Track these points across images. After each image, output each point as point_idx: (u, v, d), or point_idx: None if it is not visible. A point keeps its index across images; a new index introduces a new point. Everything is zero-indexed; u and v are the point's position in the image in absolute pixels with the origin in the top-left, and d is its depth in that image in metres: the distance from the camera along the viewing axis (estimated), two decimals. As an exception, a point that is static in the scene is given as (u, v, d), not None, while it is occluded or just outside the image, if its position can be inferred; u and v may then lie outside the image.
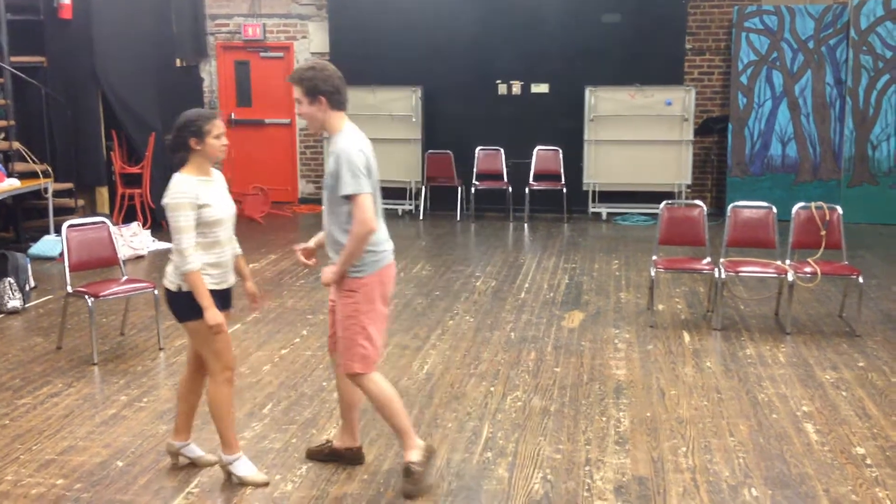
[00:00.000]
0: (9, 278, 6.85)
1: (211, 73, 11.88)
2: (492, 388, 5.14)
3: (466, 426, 4.61)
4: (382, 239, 3.88)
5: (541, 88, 11.09)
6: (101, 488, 3.95)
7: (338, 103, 3.80)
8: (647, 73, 10.60)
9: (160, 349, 5.86)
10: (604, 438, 4.44)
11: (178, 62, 11.22)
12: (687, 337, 6.10)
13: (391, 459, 4.21)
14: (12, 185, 8.45)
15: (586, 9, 10.74)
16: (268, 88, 11.80)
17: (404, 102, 10.99)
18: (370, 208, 3.70)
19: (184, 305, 3.84)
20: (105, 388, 5.23)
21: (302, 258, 4.06)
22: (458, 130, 11.12)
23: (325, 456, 4.19)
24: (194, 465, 4.14)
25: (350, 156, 3.69)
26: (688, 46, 10.86)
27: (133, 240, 8.56)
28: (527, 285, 7.57)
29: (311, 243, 4.06)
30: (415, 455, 3.90)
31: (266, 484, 3.97)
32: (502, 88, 11.13)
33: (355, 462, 4.14)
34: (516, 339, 6.07)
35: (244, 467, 4.00)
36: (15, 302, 6.78)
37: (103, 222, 6.08)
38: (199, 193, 3.79)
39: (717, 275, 6.31)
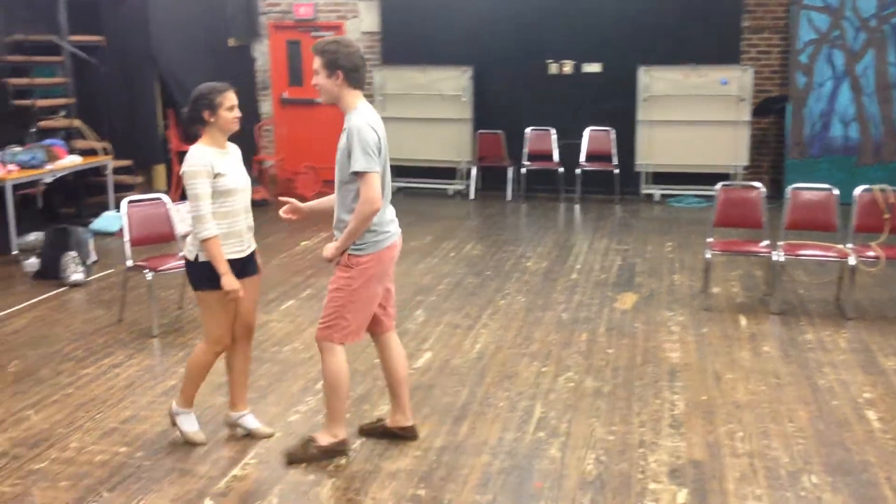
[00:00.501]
0: (71, 252, 7.04)
1: (263, 53, 11.96)
2: (544, 369, 5.13)
3: (518, 406, 4.61)
4: (387, 220, 3.86)
5: (593, 68, 10.93)
6: (161, 457, 4.05)
7: (355, 81, 3.79)
8: (703, 52, 10.37)
9: (216, 324, 5.95)
10: (658, 421, 4.40)
11: (230, 42, 11.32)
12: (743, 321, 6.00)
13: (443, 436, 4.23)
14: (74, 161, 8.64)
15: (641, -14, 10.56)
16: (319, 68, 11.82)
17: (455, 82, 10.93)
18: (377, 187, 3.69)
19: (199, 274, 3.98)
20: (164, 360, 5.35)
21: (283, 210, 4.09)
22: (508, 110, 11.04)
23: (378, 435, 4.22)
24: (251, 437, 4.22)
25: (363, 133, 3.68)
26: (745, 24, 10.61)
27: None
28: (578, 266, 7.51)
29: (304, 205, 4.10)
30: (324, 440, 3.97)
31: (203, 443, 4.12)
32: (553, 68, 11.00)
33: (411, 438, 4.17)
34: (568, 319, 6.04)
35: (188, 423, 4.17)
36: (78, 275, 6.96)
37: (161, 199, 6.20)
38: (214, 163, 3.89)
39: (775, 258, 6.18)
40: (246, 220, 4.07)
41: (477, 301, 6.49)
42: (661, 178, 10.73)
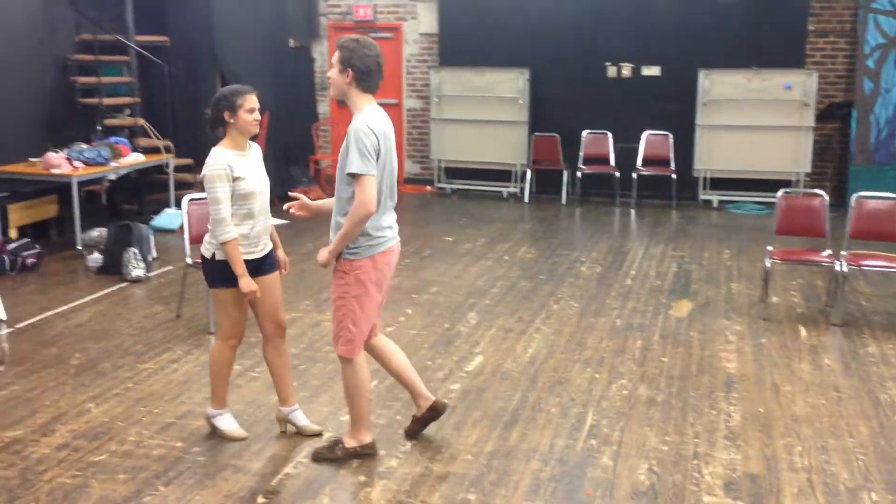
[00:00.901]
0: (133, 248, 7.21)
1: (322, 54, 12.09)
2: (596, 375, 5.08)
3: (570, 412, 4.57)
4: (384, 225, 3.84)
5: (652, 71, 10.80)
6: (216, 453, 4.11)
7: (365, 84, 3.77)
8: (766, 56, 10.17)
9: (271, 322, 6.03)
10: (713, 432, 4.33)
11: (291, 42, 11.48)
12: (803, 331, 5.86)
13: (494, 441, 4.22)
14: (137, 159, 8.84)
15: (702, -12, 10.39)
16: (376, 69, 11.89)
17: (512, 84, 10.91)
18: (372, 191, 3.66)
19: (214, 272, 4.06)
20: (220, 357, 5.43)
21: (290, 204, 4.07)
22: (565, 113, 10.97)
23: (420, 428, 4.25)
24: (301, 435, 4.26)
25: (361, 135, 3.66)
26: (810, 28, 10.36)
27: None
28: (633, 272, 7.43)
29: (313, 203, 4.09)
30: (351, 442, 3.99)
31: (244, 439, 4.20)
32: (612, 71, 10.90)
33: (441, 412, 4.21)
34: (622, 326, 5.97)
35: (226, 422, 4.25)
36: (139, 271, 7.13)
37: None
38: (234, 166, 3.95)
39: (837, 268, 6.03)
40: (264, 221, 4.12)
41: (530, 305, 6.46)
42: (719, 183, 10.54)
